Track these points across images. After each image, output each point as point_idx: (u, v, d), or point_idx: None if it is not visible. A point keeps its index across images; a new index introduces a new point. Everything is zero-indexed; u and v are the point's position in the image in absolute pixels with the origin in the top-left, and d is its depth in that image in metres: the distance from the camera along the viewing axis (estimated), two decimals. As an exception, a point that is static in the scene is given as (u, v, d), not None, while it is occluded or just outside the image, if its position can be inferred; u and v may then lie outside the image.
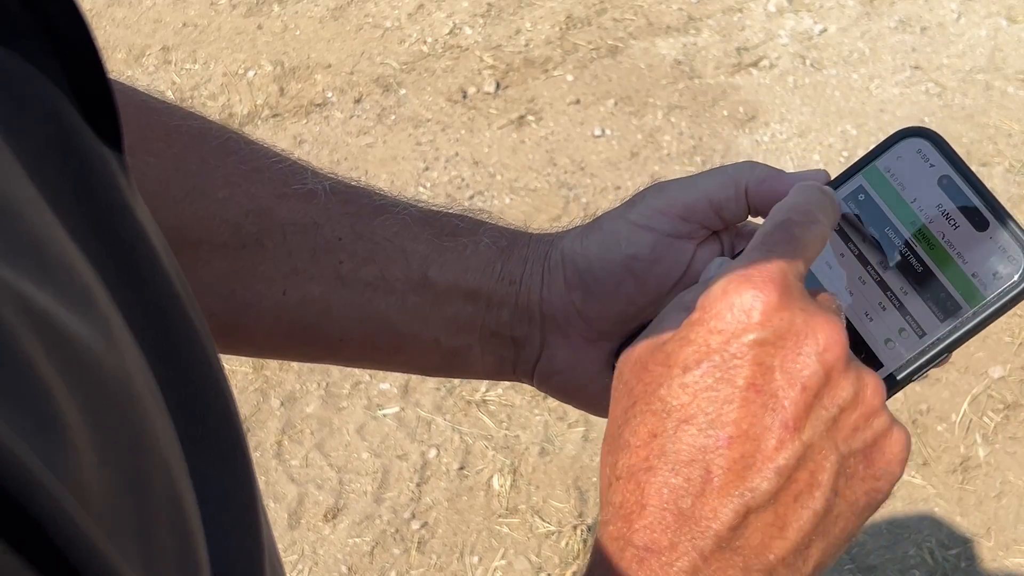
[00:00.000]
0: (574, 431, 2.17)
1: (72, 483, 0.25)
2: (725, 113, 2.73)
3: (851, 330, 0.57)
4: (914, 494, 2.07)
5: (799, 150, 2.63)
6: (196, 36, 2.99)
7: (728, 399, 0.49)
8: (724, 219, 0.63)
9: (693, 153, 2.64)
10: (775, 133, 2.68)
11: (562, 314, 0.64)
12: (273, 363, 2.28)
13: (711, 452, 0.49)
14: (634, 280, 0.62)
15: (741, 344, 0.49)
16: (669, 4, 3.01)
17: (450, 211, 0.67)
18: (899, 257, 0.59)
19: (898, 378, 0.58)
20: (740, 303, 0.49)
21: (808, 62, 2.85)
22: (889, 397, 0.57)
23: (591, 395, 0.65)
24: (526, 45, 2.93)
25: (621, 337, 0.64)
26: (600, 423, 2.16)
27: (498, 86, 2.82)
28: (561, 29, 2.96)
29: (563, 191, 2.57)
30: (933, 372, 2.00)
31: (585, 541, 2.02)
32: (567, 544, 2.03)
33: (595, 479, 2.11)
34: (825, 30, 2.92)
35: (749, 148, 2.63)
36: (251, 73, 2.88)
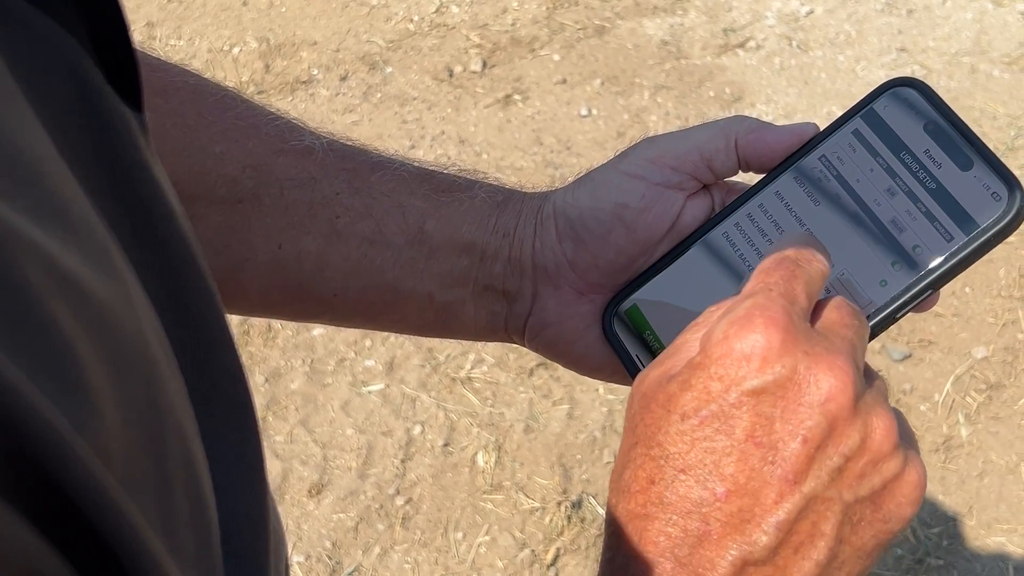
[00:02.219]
0: (559, 408, 2.17)
1: (97, 445, 0.25)
2: (711, 94, 2.73)
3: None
4: (897, 473, 2.07)
5: (785, 131, 2.63)
6: (181, 12, 2.97)
7: (726, 451, 0.48)
8: (714, 171, 0.63)
9: (679, 133, 2.64)
10: (761, 114, 2.68)
11: (553, 265, 0.64)
12: (257, 339, 2.28)
13: (708, 505, 0.48)
14: (624, 228, 0.62)
15: (740, 393, 0.48)
16: (656, -16, 3.01)
17: (446, 169, 0.67)
18: (889, 199, 0.60)
19: (891, 312, 0.59)
20: (741, 348, 0.48)
21: (794, 43, 2.85)
22: (882, 331, 0.59)
23: (580, 350, 0.65)
24: (513, 24, 2.92)
25: (612, 291, 0.64)
26: (586, 402, 2.16)
27: (484, 65, 2.81)
28: (548, 8, 2.95)
29: (549, 170, 2.57)
30: (916, 352, 2.01)
31: (569, 518, 2.03)
32: (551, 520, 2.03)
33: (579, 456, 2.11)
34: (812, 11, 2.92)
35: (735, 129, 2.63)
36: (236, 50, 2.87)
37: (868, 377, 0.52)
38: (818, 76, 2.77)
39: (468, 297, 0.65)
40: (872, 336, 0.59)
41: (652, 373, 0.52)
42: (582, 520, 2.03)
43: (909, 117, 0.61)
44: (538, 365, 2.22)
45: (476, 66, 2.81)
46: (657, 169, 0.62)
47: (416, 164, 0.67)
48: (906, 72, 2.75)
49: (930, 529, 2.01)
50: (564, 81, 2.77)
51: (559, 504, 2.05)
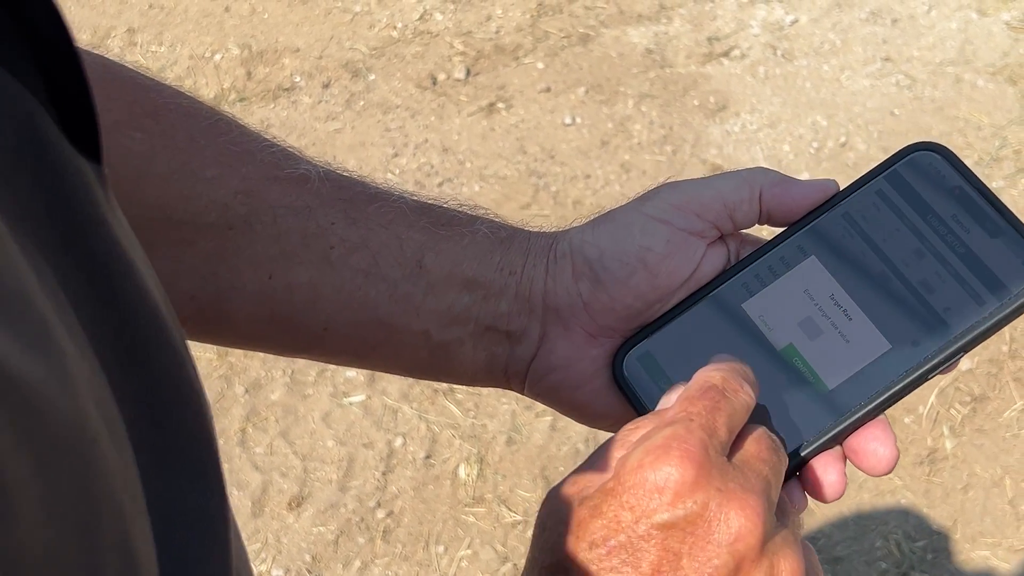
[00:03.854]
0: (541, 420, 2.15)
1: (5, 548, 0.23)
2: (696, 103, 2.72)
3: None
4: (881, 486, 2.07)
5: (769, 140, 2.63)
6: (162, 18, 2.95)
7: None
8: (736, 221, 0.62)
9: (663, 142, 2.63)
10: (745, 123, 2.67)
11: (566, 305, 0.62)
12: (237, 350, 2.26)
13: None
14: (646, 272, 0.61)
15: (650, 524, 0.47)
16: (641, -8, 3.00)
17: (445, 203, 0.65)
18: (917, 260, 0.59)
19: (922, 372, 0.58)
20: (654, 479, 0.47)
21: (779, 52, 2.84)
22: (910, 392, 0.57)
23: (584, 397, 0.63)
24: (497, 32, 2.91)
25: (623, 335, 0.62)
26: (568, 412, 2.15)
27: (468, 73, 2.80)
28: (532, 16, 2.94)
29: (533, 179, 2.56)
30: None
31: (552, 531, 2.01)
32: (534, 534, 2.01)
33: (562, 468, 2.09)
34: (796, 21, 2.91)
35: (719, 138, 2.63)
36: (218, 56, 2.85)
37: (782, 514, 0.52)
38: (803, 85, 2.76)
39: (467, 337, 0.63)
40: (899, 398, 0.58)
41: (566, 489, 0.51)
42: (565, 533, 2.01)
43: (934, 182, 0.60)
44: (521, 376, 2.20)
45: (460, 74, 2.79)
46: (682, 215, 0.61)
47: (415, 197, 0.65)
48: (891, 81, 2.75)
49: (914, 543, 2.00)
50: (548, 89, 2.76)
51: (541, 517, 2.03)
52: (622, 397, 0.62)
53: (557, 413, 2.10)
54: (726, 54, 2.84)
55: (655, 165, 2.58)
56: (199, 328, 0.64)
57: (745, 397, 0.53)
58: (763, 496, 0.49)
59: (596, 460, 0.52)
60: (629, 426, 0.53)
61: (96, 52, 0.64)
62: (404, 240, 0.62)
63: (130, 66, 0.63)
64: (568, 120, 2.69)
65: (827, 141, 2.61)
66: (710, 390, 0.52)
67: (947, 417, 2.16)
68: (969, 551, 1.99)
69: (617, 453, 0.51)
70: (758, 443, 0.52)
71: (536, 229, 0.65)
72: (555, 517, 0.50)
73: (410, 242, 0.62)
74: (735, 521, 0.47)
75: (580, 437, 2.12)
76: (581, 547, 0.48)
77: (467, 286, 0.62)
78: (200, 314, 0.62)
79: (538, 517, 0.52)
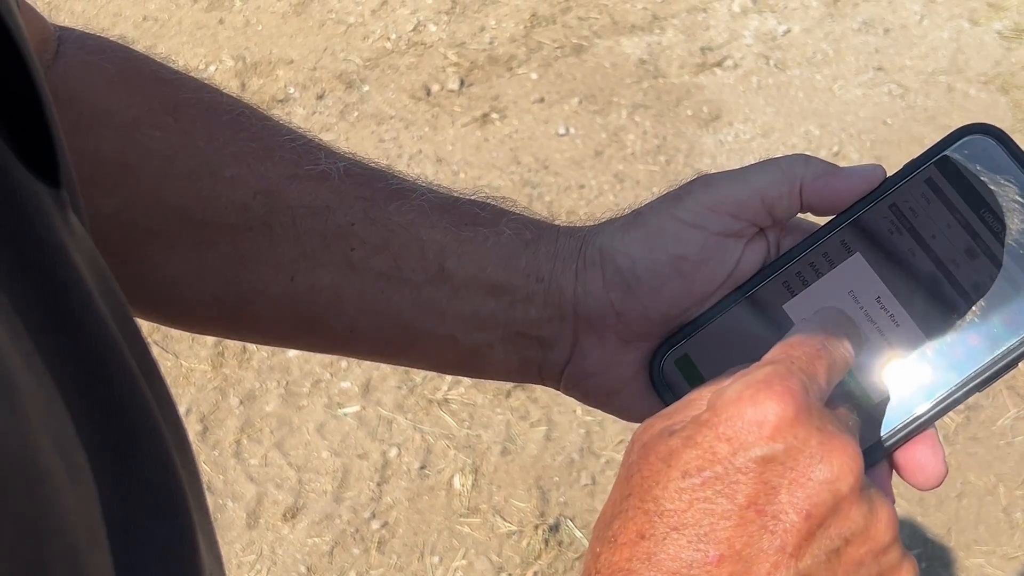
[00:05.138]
0: (536, 430, 2.15)
1: None
2: (689, 113, 2.73)
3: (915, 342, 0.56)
4: (875, 494, 2.07)
5: (762, 150, 2.63)
6: (156, 30, 2.95)
7: (725, 515, 0.46)
8: (775, 216, 0.59)
9: (657, 152, 2.64)
10: (739, 133, 2.68)
11: (598, 314, 0.60)
12: (232, 361, 2.26)
13: (697, 568, 0.45)
14: (680, 280, 0.59)
15: (748, 458, 0.46)
16: (634, 3, 3.01)
17: (472, 198, 0.63)
18: (969, 261, 0.56)
19: (979, 387, 0.55)
20: (753, 413, 0.46)
21: (772, 62, 2.85)
22: (954, 408, 0.55)
23: (624, 400, 0.62)
24: (490, 43, 2.91)
25: (659, 338, 0.60)
26: (564, 423, 2.15)
27: (462, 83, 2.81)
28: (526, 27, 2.95)
29: (527, 189, 2.56)
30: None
31: (546, 541, 2.01)
32: (528, 544, 2.01)
33: (557, 479, 2.10)
34: (789, 31, 2.92)
35: (713, 148, 2.63)
36: (212, 68, 2.85)
37: None
38: (795, 95, 2.77)
39: (496, 342, 0.61)
40: (948, 411, 0.55)
41: (656, 424, 0.50)
42: (559, 543, 2.01)
43: (988, 169, 0.56)
44: (515, 387, 2.20)
45: (453, 84, 2.80)
46: (717, 217, 0.58)
47: (439, 192, 0.63)
48: (883, 91, 2.76)
49: (909, 551, 2.00)
50: (542, 100, 2.76)
51: (536, 527, 2.03)
52: (660, 403, 0.59)
53: (552, 424, 2.10)
54: (719, 64, 2.85)
55: (649, 175, 2.58)
56: (225, 328, 0.64)
57: (845, 353, 0.52)
58: (859, 445, 0.48)
59: (686, 400, 0.51)
60: (731, 368, 0.52)
61: (120, 43, 0.63)
62: (425, 242, 0.60)
63: (154, 57, 0.62)
64: (562, 130, 2.69)
65: (820, 150, 2.62)
66: (811, 338, 0.51)
67: (941, 425, 2.15)
68: (963, 559, 1.99)
69: (707, 392, 0.50)
70: (843, 407, 0.52)
71: (564, 224, 0.63)
72: (642, 451, 0.49)
73: (431, 244, 0.60)
74: (836, 461, 0.46)
75: (575, 447, 2.13)
76: (673, 476, 0.47)
77: (492, 291, 0.61)
78: (225, 315, 0.62)
79: (624, 455, 0.50)
